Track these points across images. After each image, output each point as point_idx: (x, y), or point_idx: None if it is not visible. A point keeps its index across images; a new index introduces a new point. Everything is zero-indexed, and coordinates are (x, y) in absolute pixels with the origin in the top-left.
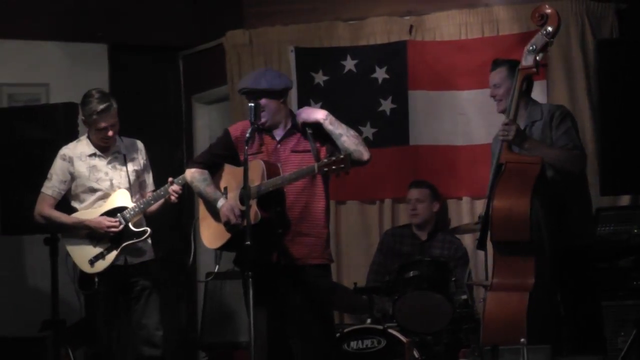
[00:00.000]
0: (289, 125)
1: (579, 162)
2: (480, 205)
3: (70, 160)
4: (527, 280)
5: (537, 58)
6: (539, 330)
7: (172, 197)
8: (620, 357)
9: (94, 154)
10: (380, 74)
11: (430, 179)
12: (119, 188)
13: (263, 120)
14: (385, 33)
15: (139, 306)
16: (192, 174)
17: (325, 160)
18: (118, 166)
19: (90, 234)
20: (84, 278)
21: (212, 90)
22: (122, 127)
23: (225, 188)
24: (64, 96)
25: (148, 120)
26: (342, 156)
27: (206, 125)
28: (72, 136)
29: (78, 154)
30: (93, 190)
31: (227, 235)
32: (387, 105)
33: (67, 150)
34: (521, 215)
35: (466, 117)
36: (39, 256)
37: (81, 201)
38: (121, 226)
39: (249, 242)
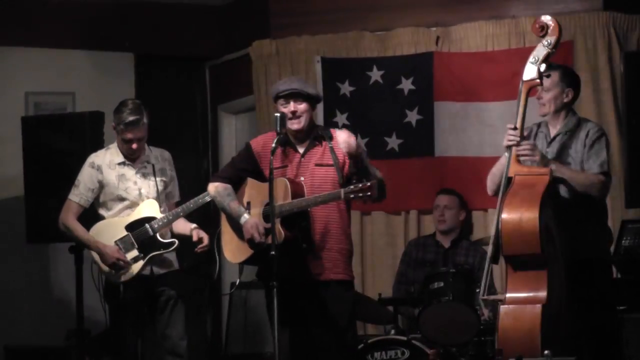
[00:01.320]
0: (311, 137)
1: (602, 189)
2: None
3: (99, 169)
4: (540, 293)
5: (540, 69)
6: (562, 342)
7: (202, 244)
8: None
9: (123, 163)
10: (407, 85)
11: (457, 191)
12: (148, 198)
13: (301, 125)
14: (412, 44)
15: (164, 316)
16: (215, 188)
17: (352, 187)
18: (147, 176)
19: (117, 242)
20: (110, 287)
21: (238, 100)
22: (148, 137)
23: (249, 203)
24: (89, 105)
25: (174, 130)
26: (368, 184)
27: (232, 135)
28: (98, 145)
29: (107, 162)
30: (122, 199)
31: (250, 250)
32: (413, 116)
33: (96, 158)
34: (530, 228)
35: (493, 129)
36: (64, 264)
37: (109, 209)
38: (127, 265)
39: (273, 252)
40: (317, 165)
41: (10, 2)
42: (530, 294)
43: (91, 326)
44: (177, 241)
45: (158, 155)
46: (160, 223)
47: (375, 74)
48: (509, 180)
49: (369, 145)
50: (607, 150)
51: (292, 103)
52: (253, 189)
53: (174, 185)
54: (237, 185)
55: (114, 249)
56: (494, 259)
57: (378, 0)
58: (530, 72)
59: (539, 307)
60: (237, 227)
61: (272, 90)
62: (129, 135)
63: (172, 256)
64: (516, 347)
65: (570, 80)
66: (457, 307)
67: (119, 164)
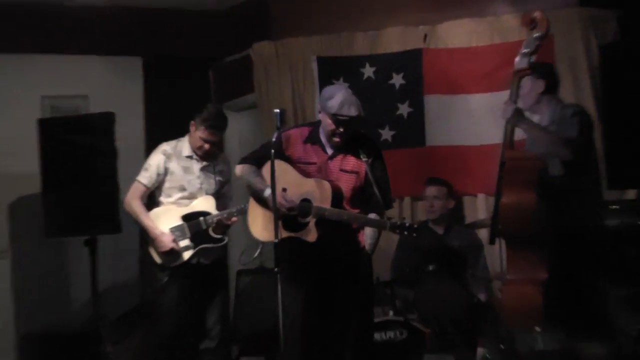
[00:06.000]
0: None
1: (564, 148)
2: None
3: (169, 157)
4: (540, 274)
5: (530, 60)
6: (552, 316)
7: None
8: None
9: (191, 157)
10: (398, 80)
11: (447, 178)
12: (207, 194)
13: (342, 141)
14: (401, 42)
15: (203, 301)
16: (242, 168)
17: (399, 223)
18: (209, 173)
19: (172, 229)
20: (154, 271)
21: (241, 99)
22: (156, 134)
23: (284, 189)
24: (102, 107)
25: (181, 127)
26: (416, 226)
27: (237, 131)
28: (109, 142)
29: (177, 152)
30: (183, 189)
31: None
32: (404, 109)
33: (168, 146)
34: (527, 209)
35: (477, 119)
36: (79, 257)
37: (168, 196)
38: (179, 253)
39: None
40: (341, 170)
41: (25, 10)
42: (530, 275)
43: (108, 311)
44: (227, 238)
45: (220, 157)
46: (214, 219)
47: (368, 70)
48: (503, 165)
49: None
50: (581, 124)
51: (342, 127)
52: (289, 179)
53: (229, 187)
54: (261, 167)
55: (170, 238)
56: (491, 241)
57: (368, 2)
58: (522, 62)
59: (538, 286)
60: (260, 201)
61: (328, 102)
62: (207, 136)
63: (221, 250)
64: (518, 322)
65: (542, 71)
66: (450, 287)
67: (187, 156)
